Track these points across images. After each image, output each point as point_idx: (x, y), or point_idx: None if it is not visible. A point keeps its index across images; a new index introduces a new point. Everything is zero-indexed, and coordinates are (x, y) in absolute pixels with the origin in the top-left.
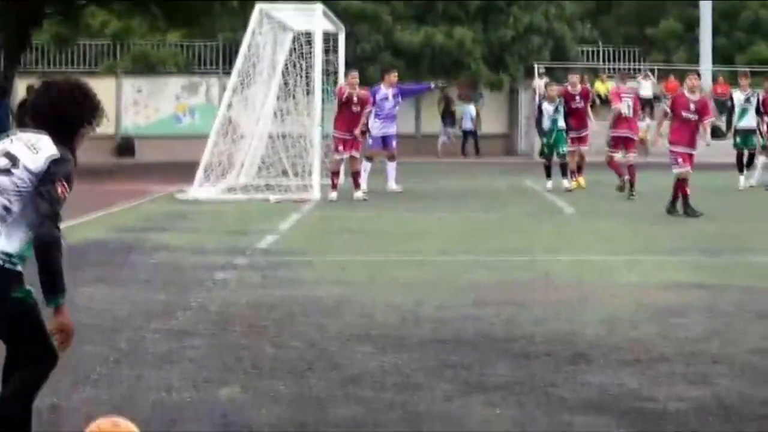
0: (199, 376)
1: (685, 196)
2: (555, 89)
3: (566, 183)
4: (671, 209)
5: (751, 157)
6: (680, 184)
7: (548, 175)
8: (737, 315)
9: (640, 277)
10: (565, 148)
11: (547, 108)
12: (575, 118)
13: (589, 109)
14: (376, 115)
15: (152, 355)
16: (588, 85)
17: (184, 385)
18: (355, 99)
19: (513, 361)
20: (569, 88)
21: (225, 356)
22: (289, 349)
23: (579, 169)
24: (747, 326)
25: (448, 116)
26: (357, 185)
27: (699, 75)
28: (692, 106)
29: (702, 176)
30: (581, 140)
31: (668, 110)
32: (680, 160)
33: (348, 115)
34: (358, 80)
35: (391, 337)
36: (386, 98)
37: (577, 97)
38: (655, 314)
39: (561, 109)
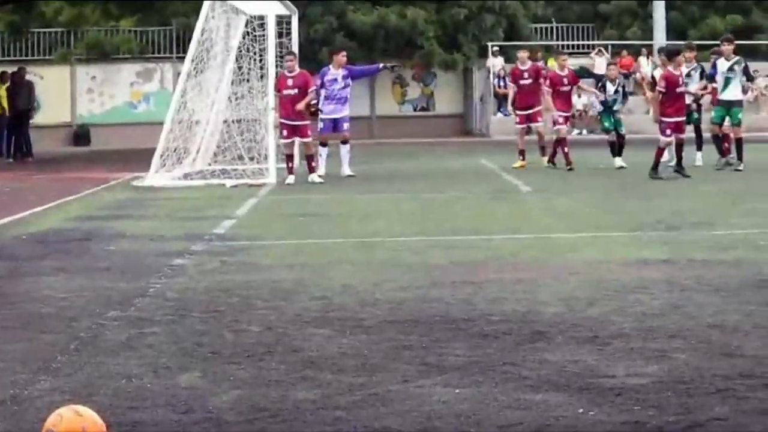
0: (158, 362)
1: (657, 163)
2: (614, 69)
3: (618, 161)
4: (653, 174)
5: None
6: (659, 150)
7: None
8: (696, 289)
9: (598, 253)
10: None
11: (609, 88)
12: (524, 94)
13: (543, 86)
14: (326, 98)
15: (112, 342)
16: (540, 63)
17: (144, 371)
18: (290, 83)
19: (471, 341)
20: (518, 64)
21: (184, 342)
22: (247, 334)
23: (543, 148)
24: (705, 300)
25: None
26: (311, 169)
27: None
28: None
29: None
30: (531, 117)
31: (663, 90)
32: (668, 131)
33: (287, 100)
34: (294, 63)
35: (349, 320)
36: (335, 80)
37: (526, 74)
38: (613, 291)
39: (620, 90)
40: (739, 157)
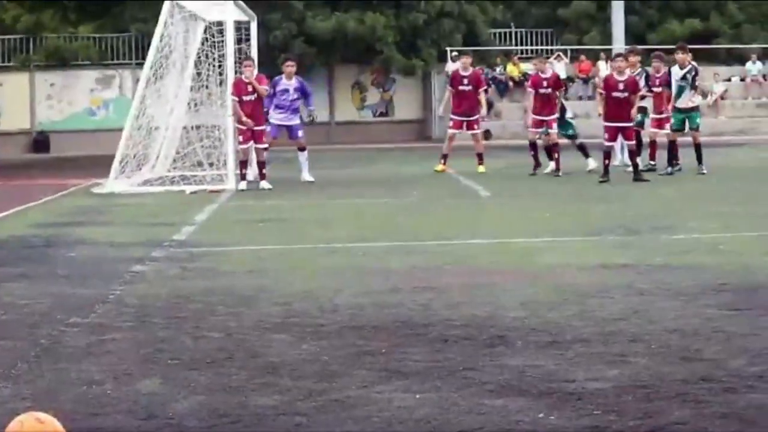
0: (119, 368)
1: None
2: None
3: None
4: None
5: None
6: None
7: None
8: (655, 293)
9: (558, 258)
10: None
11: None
12: (462, 100)
13: (481, 94)
14: (277, 106)
15: (72, 349)
16: (481, 69)
17: (104, 378)
18: (250, 88)
19: (431, 346)
20: (460, 70)
21: (145, 348)
22: (207, 340)
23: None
24: (665, 304)
25: None
26: (262, 176)
27: (626, 57)
28: (621, 86)
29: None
30: (469, 125)
31: (602, 92)
32: (607, 135)
33: (246, 105)
34: (252, 68)
35: (309, 325)
36: (287, 90)
37: (466, 80)
38: (573, 295)
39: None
40: (699, 161)
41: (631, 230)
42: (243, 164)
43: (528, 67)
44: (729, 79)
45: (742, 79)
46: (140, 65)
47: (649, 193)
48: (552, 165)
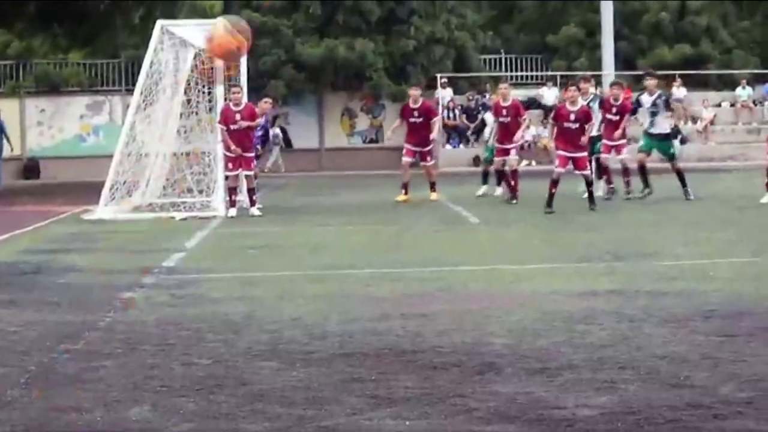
0: (109, 396)
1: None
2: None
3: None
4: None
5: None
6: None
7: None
8: (644, 320)
9: (547, 285)
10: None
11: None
12: (413, 132)
13: (434, 126)
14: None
15: (62, 376)
16: (432, 102)
17: (94, 405)
18: (238, 117)
19: (420, 373)
20: (410, 102)
21: (134, 375)
22: (197, 367)
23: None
24: (653, 331)
25: None
26: (252, 202)
27: (578, 87)
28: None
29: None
30: (422, 156)
31: (553, 122)
32: (557, 162)
33: (235, 133)
34: (241, 95)
35: (298, 352)
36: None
37: (416, 113)
38: (562, 322)
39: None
40: (684, 186)
41: (618, 256)
42: (232, 191)
43: (518, 93)
44: (719, 105)
45: (732, 105)
46: (130, 91)
47: (637, 219)
48: (500, 190)
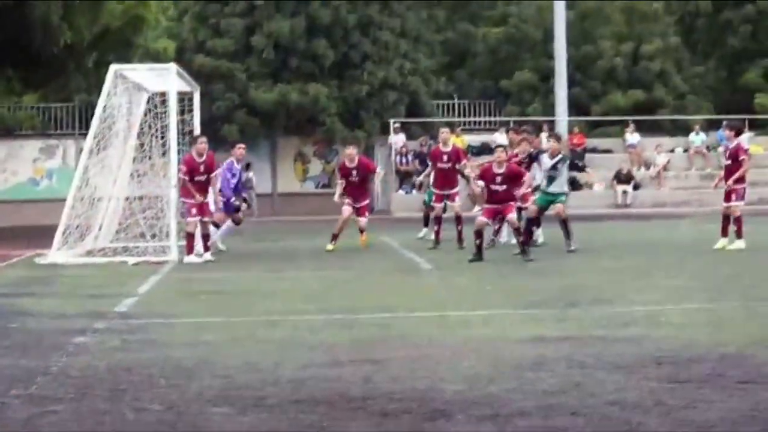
0: None
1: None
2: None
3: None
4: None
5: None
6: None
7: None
8: (595, 366)
9: (499, 331)
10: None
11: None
12: (352, 189)
13: (371, 178)
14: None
15: (14, 421)
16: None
17: None
18: (202, 168)
19: (372, 420)
20: (346, 161)
21: (86, 421)
22: (149, 413)
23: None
24: (605, 377)
25: None
26: (206, 248)
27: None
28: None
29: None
30: (359, 212)
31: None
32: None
33: (195, 184)
34: (206, 144)
35: (251, 398)
36: (240, 171)
37: (354, 171)
38: (513, 368)
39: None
40: (567, 237)
41: (570, 303)
42: (192, 237)
43: (471, 138)
44: (672, 150)
45: (686, 151)
46: (84, 135)
47: (590, 265)
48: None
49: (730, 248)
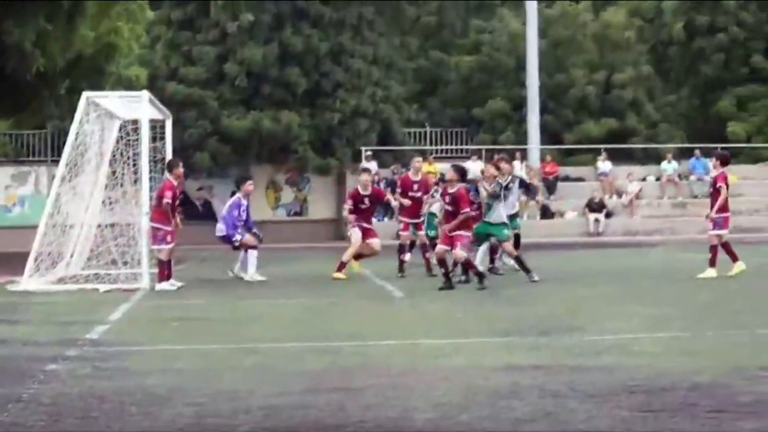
0: None
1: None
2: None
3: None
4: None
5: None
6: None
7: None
8: (567, 395)
9: (472, 359)
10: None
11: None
12: (360, 212)
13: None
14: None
15: None
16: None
17: None
18: (177, 192)
19: None
20: (359, 188)
21: None
22: None
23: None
24: (577, 406)
25: None
26: (163, 277)
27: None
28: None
29: (542, 257)
30: (371, 233)
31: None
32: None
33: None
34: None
35: (223, 426)
36: (248, 205)
37: (366, 199)
38: (486, 397)
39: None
40: (526, 271)
41: (543, 331)
42: (165, 264)
43: (443, 166)
44: (645, 179)
45: (658, 179)
46: (56, 162)
47: (562, 293)
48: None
49: (700, 276)
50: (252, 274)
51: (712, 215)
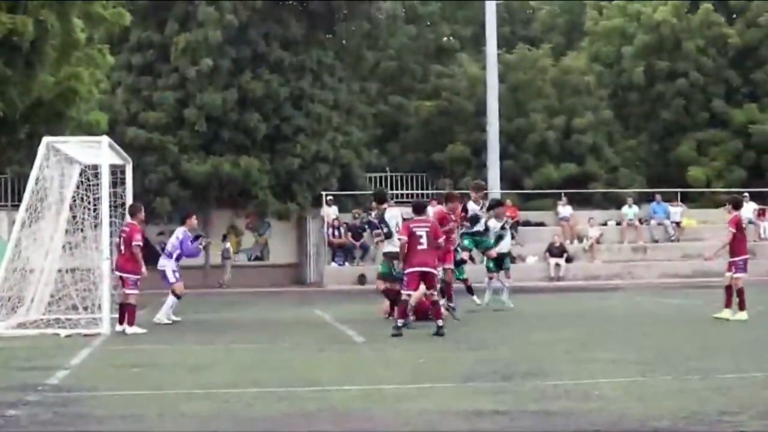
0: None
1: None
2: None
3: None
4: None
5: None
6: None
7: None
8: None
9: (431, 404)
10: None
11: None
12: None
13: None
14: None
15: None
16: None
17: None
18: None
19: None
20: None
21: None
22: None
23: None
24: None
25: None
26: (132, 321)
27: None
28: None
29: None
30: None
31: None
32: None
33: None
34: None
35: None
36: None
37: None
38: None
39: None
40: (471, 293)
41: (505, 376)
42: (134, 309)
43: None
44: (605, 223)
45: (618, 224)
46: (16, 207)
47: (524, 338)
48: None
49: (733, 318)
50: (163, 315)
51: (734, 259)
